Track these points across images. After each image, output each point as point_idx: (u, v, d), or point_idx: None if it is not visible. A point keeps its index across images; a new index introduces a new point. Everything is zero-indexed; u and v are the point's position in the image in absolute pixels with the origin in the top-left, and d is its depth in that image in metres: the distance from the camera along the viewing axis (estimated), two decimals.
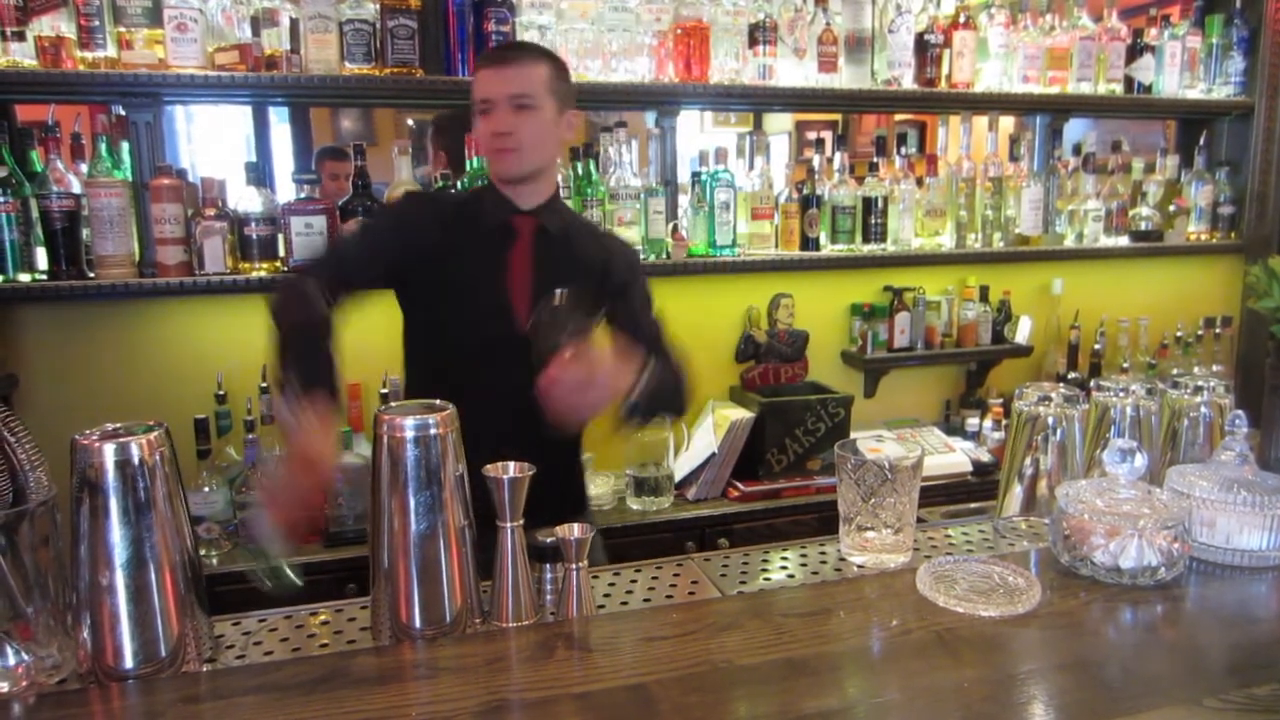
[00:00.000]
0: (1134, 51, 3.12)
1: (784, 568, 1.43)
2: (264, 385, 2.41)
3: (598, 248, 1.96)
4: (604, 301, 1.88)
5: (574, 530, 1.18)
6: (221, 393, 2.39)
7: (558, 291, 1.57)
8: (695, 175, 2.78)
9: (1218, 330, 3.35)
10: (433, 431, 1.11)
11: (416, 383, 1.99)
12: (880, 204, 2.88)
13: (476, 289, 1.86)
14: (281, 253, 2.39)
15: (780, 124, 4.12)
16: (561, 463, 1.91)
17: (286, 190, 2.49)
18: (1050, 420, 1.44)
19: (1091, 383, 1.57)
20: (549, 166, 1.88)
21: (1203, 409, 1.50)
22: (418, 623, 1.13)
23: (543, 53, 1.88)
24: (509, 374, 1.71)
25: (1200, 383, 1.51)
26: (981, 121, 3.16)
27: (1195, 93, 3.26)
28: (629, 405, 1.63)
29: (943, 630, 1.10)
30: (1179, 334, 3.31)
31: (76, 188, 2.26)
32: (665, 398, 1.77)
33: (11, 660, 1.01)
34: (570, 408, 1.51)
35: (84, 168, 2.34)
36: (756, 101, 2.95)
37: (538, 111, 1.78)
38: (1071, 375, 3.19)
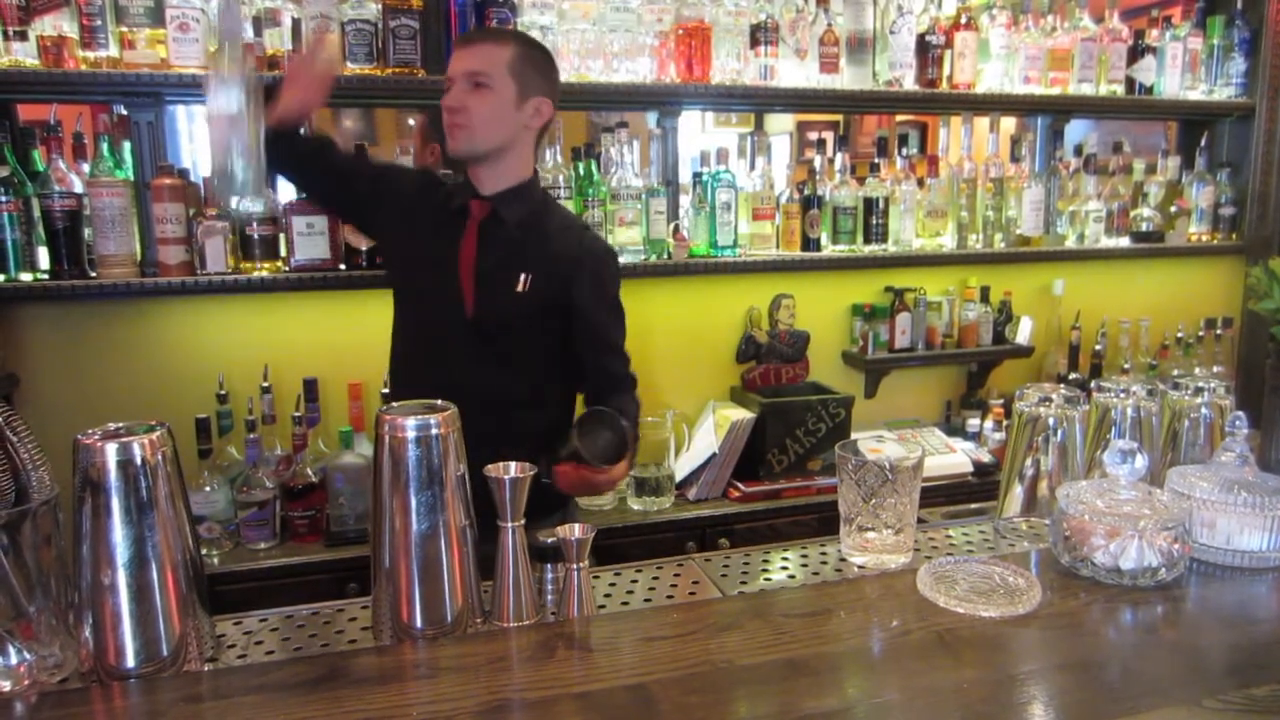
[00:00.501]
0: (1135, 53, 3.12)
1: (784, 568, 1.43)
2: (265, 385, 2.42)
3: (561, 248, 1.91)
4: (561, 301, 1.87)
5: (575, 530, 1.18)
6: (223, 392, 2.40)
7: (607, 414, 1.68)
8: (696, 175, 2.79)
9: (1219, 331, 3.35)
10: (434, 431, 1.12)
11: (394, 365, 2.04)
12: (881, 204, 2.88)
13: (428, 265, 1.90)
14: (283, 252, 2.39)
15: (782, 124, 4.12)
16: (525, 454, 1.89)
17: (288, 190, 2.49)
18: (1051, 421, 1.45)
19: (1092, 384, 1.57)
20: (507, 149, 1.85)
21: (1203, 410, 1.50)
22: (419, 622, 1.13)
23: (514, 37, 1.87)
24: (459, 355, 1.78)
25: (1201, 384, 1.52)
26: (983, 122, 3.17)
27: (1196, 94, 3.26)
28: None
29: (943, 631, 1.11)
30: (1180, 335, 3.31)
31: (78, 187, 2.26)
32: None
33: (14, 659, 1.01)
34: (575, 491, 1.74)
35: (86, 167, 2.34)
36: (758, 102, 2.95)
37: (492, 92, 1.78)
38: (1072, 376, 3.19)
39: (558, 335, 1.91)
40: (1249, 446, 1.32)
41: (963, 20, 2.90)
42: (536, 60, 1.86)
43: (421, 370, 1.91)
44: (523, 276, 1.84)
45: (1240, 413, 1.33)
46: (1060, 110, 3.11)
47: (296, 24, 2.35)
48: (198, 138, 3.20)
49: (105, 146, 2.28)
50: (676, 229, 2.74)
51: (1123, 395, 1.49)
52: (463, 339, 1.82)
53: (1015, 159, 3.09)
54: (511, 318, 1.85)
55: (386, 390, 2.54)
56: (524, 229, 1.88)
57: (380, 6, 2.38)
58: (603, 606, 1.29)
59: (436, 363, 1.85)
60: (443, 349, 1.84)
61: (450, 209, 1.91)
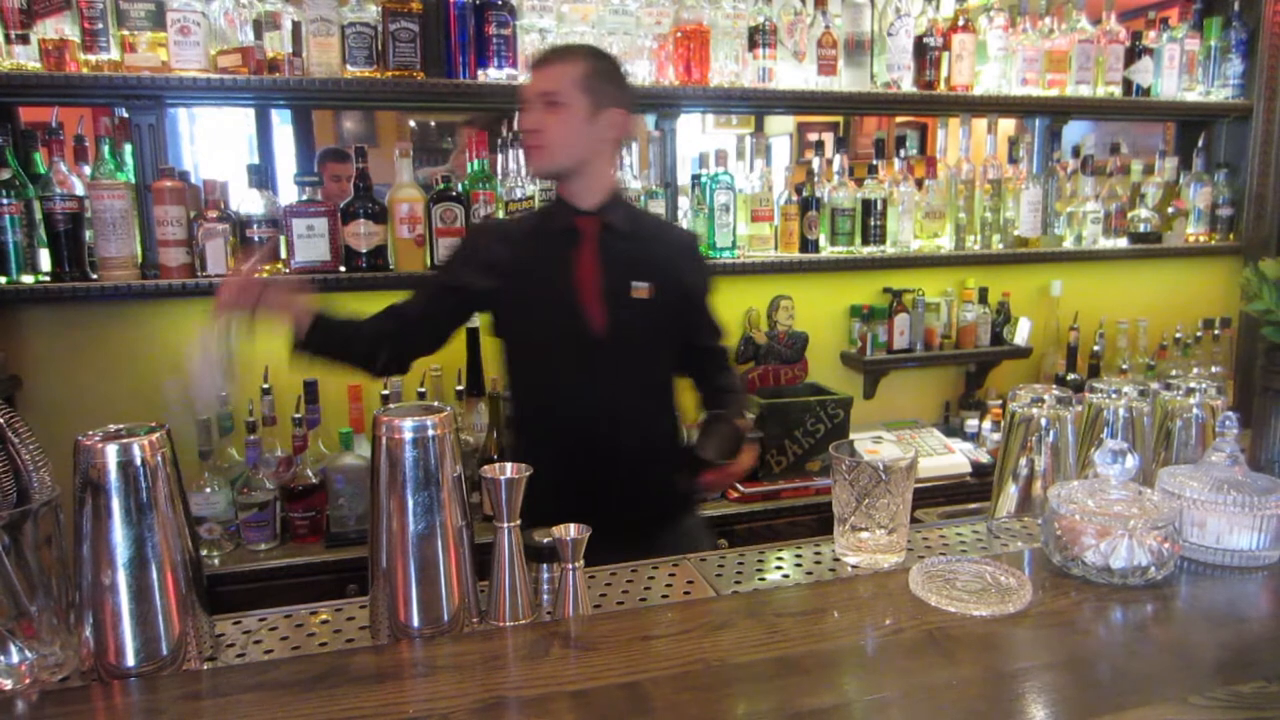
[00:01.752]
0: (1133, 54, 3.13)
1: (779, 568, 1.44)
2: (265, 386, 2.43)
3: (667, 244, 2.01)
4: (677, 297, 1.94)
5: (570, 530, 1.19)
6: (223, 394, 2.41)
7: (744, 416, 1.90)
8: (695, 177, 2.80)
9: (1216, 331, 3.35)
10: (431, 433, 1.13)
11: (518, 408, 2.00)
12: (880, 206, 2.89)
13: (549, 294, 1.88)
14: (284, 254, 2.41)
15: (782, 126, 4.14)
16: (660, 459, 1.96)
17: (288, 192, 2.51)
18: (1043, 421, 1.46)
19: (1086, 384, 1.58)
20: (588, 163, 1.86)
21: (1195, 410, 1.51)
22: (416, 622, 1.14)
23: (584, 53, 1.87)
24: (592, 375, 1.84)
25: (1193, 384, 1.52)
26: (981, 124, 3.18)
27: (1194, 95, 3.27)
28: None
29: (934, 629, 1.12)
30: (1178, 335, 3.32)
31: (80, 190, 2.28)
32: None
33: (15, 658, 1.03)
34: (723, 488, 1.85)
35: (87, 170, 2.36)
36: (756, 104, 2.96)
37: (565, 109, 1.80)
38: (1071, 376, 3.20)
39: (674, 336, 1.97)
40: (1239, 447, 1.33)
41: (960, 22, 2.91)
42: (607, 72, 1.86)
43: (555, 394, 1.91)
44: (642, 285, 1.87)
45: (1231, 413, 1.34)
46: (1058, 111, 3.12)
47: (297, 27, 2.37)
48: (199, 140, 3.23)
49: (106, 149, 2.29)
50: None
51: (1114, 396, 1.50)
52: (590, 354, 1.84)
53: (1013, 160, 3.10)
54: (638, 325, 1.88)
55: (386, 392, 2.56)
56: (634, 237, 1.91)
57: (380, 9, 2.39)
58: (598, 606, 1.30)
59: (571, 382, 1.87)
60: (572, 373, 1.85)
61: (551, 235, 1.91)
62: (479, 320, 2.15)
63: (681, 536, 1.93)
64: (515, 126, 2.62)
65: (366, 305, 2.58)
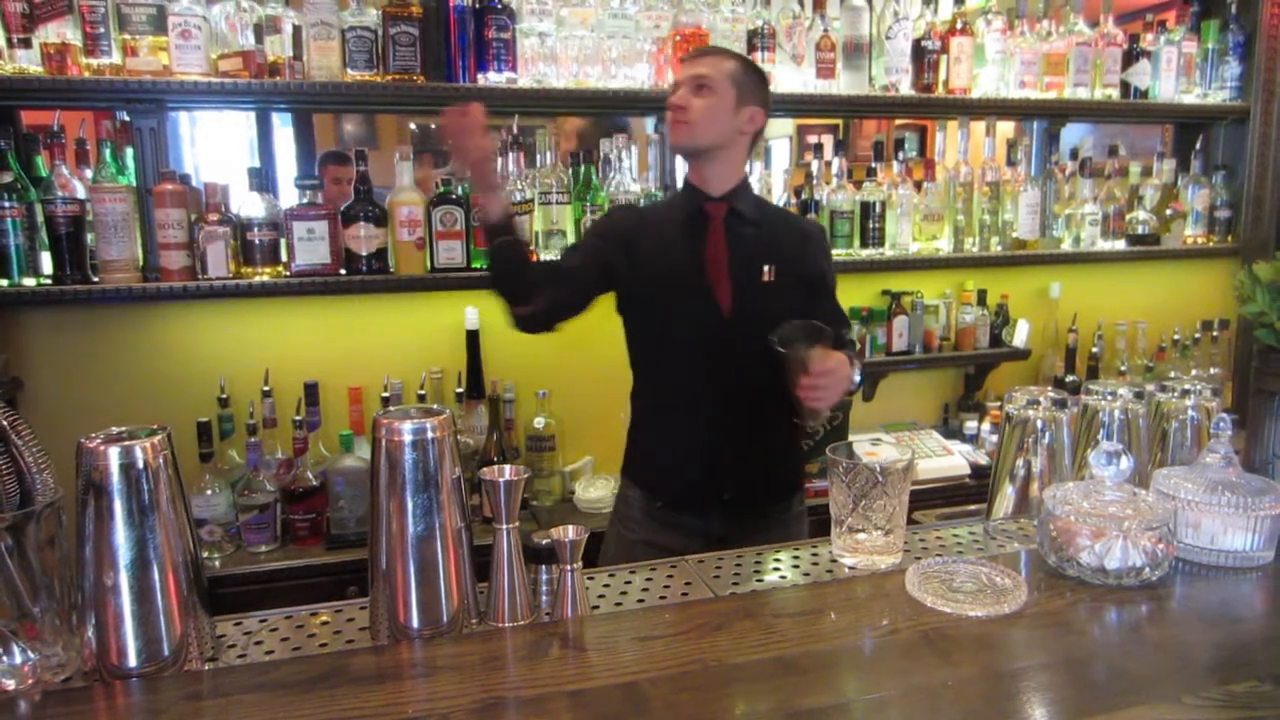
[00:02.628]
0: (1130, 57, 3.14)
1: (776, 569, 1.45)
2: (266, 389, 2.44)
3: (792, 231, 2.07)
4: (801, 281, 2.00)
5: (569, 532, 1.20)
6: (224, 396, 2.42)
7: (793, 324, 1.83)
8: None
9: (1215, 333, 3.36)
10: (430, 435, 1.14)
11: (642, 384, 2.09)
12: (878, 208, 2.90)
13: (679, 275, 1.97)
14: (284, 257, 2.41)
15: (782, 128, 4.14)
16: (777, 440, 2.03)
17: (289, 195, 2.52)
18: (1039, 423, 1.46)
19: (1083, 386, 1.59)
20: (724, 149, 1.95)
21: (1190, 412, 1.52)
22: (415, 623, 1.15)
23: (738, 55, 2.00)
24: (716, 354, 1.91)
25: (1188, 386, 1.53)
26: (979, 126, 3.19)
27: (1191, 98, 3.28)
28: (857, 385, 1.94)
29: (930, 630, 1.12)
30: (1176, 337, 3.33)
31: (81, 193, 2.29)
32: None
33: (18, 659, 1.04)
34: (824, 401, 1.78)
35: (89, 173, 2.37)
36: None
37: (714, 94, 1.90)
38: (1069, 378, 3.20)
39: (804, 317, 1.99)
40: (1233, 448, 1.33)
41: (958, 25, 2.92)
42: (754, 75, 1.98)
43: (679, 375, 2.00)
44: (767, 267, 1.96)
45: (1225, 415, 1.35)
46: (1056, 114, 3.13)
47: (297, 31, 2.38)
48: (199, 143, 3.24)
49: (108, 152, 2.30)
50: None
51: (1110, 398, 1.50)
52: (717, 332, 1.94)
53: (1011, 162, 3.11)
54: (762, 308, 1.94)
55: (387, 395, 2.57)
56: (760, 222, 2.01)
57: (380, 13, 2.40)
58: (596, 607, 1.31)
59: (696, 364, 1.95)
60: (697, 350, 1.94)
61: (684, 217, 2.00)
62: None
63: (791, 519, 2.07)
64: (515, 130, 2.63)
65: (366, 308, 2.62)
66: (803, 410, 1.83)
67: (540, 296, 1.90)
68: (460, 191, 2.53)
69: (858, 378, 1.93)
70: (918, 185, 3.00)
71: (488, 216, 1.86)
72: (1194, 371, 3.28)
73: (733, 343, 1.93)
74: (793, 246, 2.02)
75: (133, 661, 1.05)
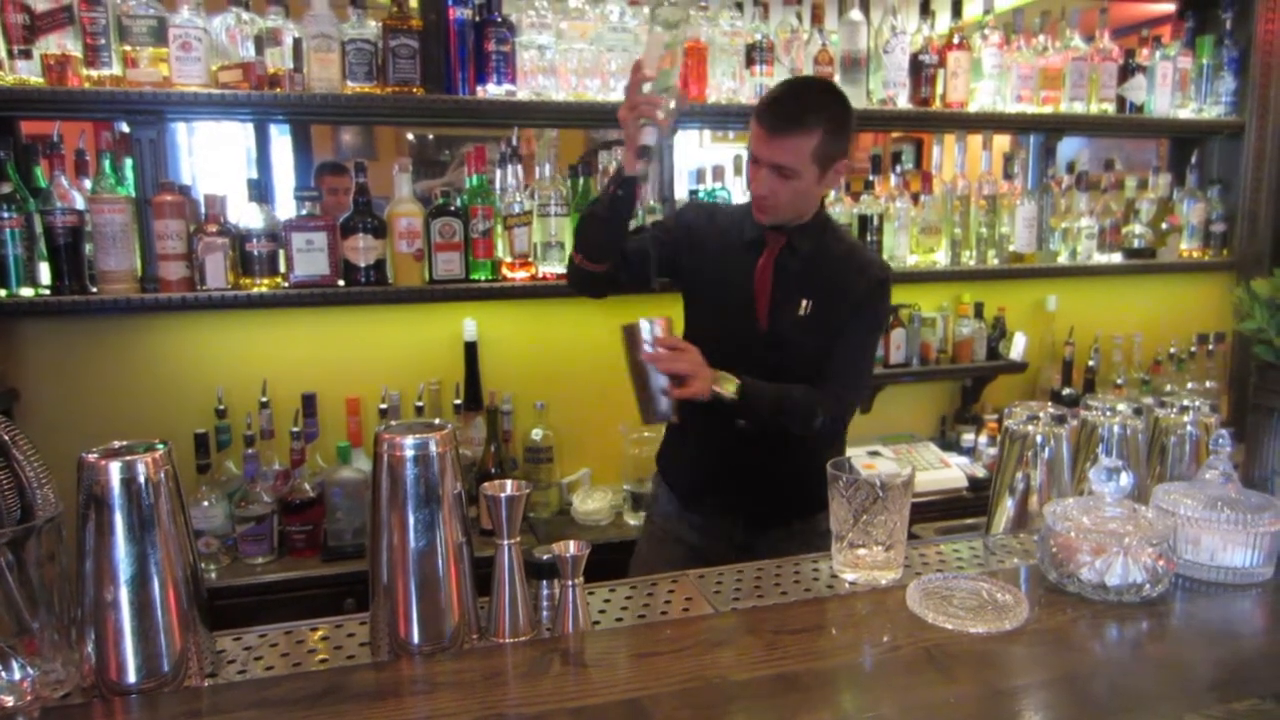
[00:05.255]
0: (1126, 71, 3.16)
1: (777, 584, 1.44)
2: (264, 400, 2.44)
3: (844, 270, 2.04)
4: (838, 321, 2.01)
5: (570, 547, 1.20)
6: (222, 407, 2.42)
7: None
8: (693, 192, 2.82)
9: (1210, 347, 3.37)
10: (432, 450, 1.14)
11: None
12: (876, 221, 2.90)
13: (727, 288, 2.05)
14: (282, 269, 2.41)
15: None
16: (800, 457, 1.99)
17: (287, 206, 2.52)
18: (1039, 438, 1.47)
19: (1081, 399, 1.59)
20: (807, 212, 2.01)
21: (1189, 428, 1.52)
22: (416, 638, 1.15)
23: (819, 120, 1.88)
24: (749, 366, 1.93)
25: (1186, 402, 1.54)
26: (976, 140, 3.20)
27: (1186, 112, 3.30)
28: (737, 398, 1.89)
29: (932, 647, 1.12)
30: (1172, 350, 3.34)
31: (80, 204, 2.29)
32: (778, 412, 1.96)
33: (17, 674, 1.03)
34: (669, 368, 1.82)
35: (88, 184, 2.36)
36: None
37: (798, 180, 1.90)
38: (1066, 391, 3.21)
39: (827, 355, 2.05)
40: (1232, 464, 1.34)
41: (955, 40, 2.94)
42: (839, 130, 1.92)
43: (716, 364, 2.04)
44: (805, 302, 2.01)
45: (1224, 431, 1.35)
46: (1052, 128, 3.14)
47: (298, 43, 2.38)
48: (198, 153, 3.24)
49: (107, 163, 2.30)
50: None
51: (1109, 414, 1.51)
52: (756, 346, 2.02)
53: (1008, 176, 3.13)
54: (795, 335, 2.02)
55: (385, 406, 2.56)
56: (811, 259, 2.02)
57: (380, 26, 2.41)
58: (597, 623, 1.30)
59: (731, 366, 1.97)
60: (736, 354, 1.96)
61: (746, 239, 2.05)
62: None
63: (814, 534, 2.04)
64: (514, 142, 2.64)
65: (364, 319, 2.61)
66: (644, 395, 1.85)
67: (612, 264, 2.00)
68: (459, 203, 2.53)
69: (716, 387, 1.86)
70: (915, 198, 3.01)
71: (626, 168, 1.88)
72: (1190, 385, 3.28)
73: (766, 359, 1.98)
74: (831, 290, 2.01)
75: (132, 678, 1.05)
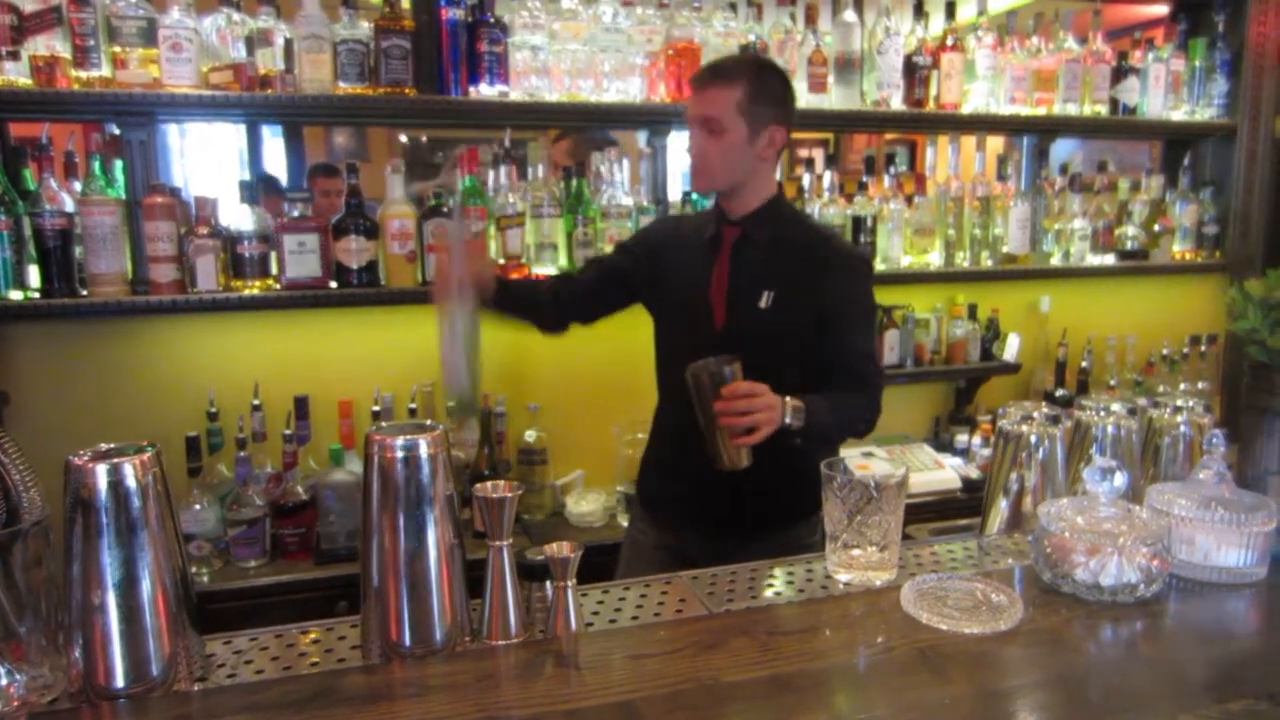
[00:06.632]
0: (1119, 73, 3.17)
1: (771, 585, 1.44)
2: (256, 403, 2.42)
3: (810, 261, 1.98)
4: (808, 313, 1.95)
5: (563, 549, 1.19)
6: (213, 410, 2.40)
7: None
8: (686, 194, 2.81)
9: (1203, 348, 3.38)
10: (423, 451, 1.13)
11: (661, 384, 2.15)
12: (869, 222, 2.91)
13: (684, 291, 2.04)
14: (274, 270, 2.40)
15: None
16: (777, 464, 1.89)
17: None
18: (1033, 439, 1.46)
19: (1074, 400, 1.59)
20: (748, 181, 1.96)
21: (1183, 428, 1.52)
22: (407, 641, 1.14)
23: (744, 72, 1.90)
24: None
25: (1180, 402, 1.54)
26: (969, 141, 3.20)
27: (1179, 114, 3.31)
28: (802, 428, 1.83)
29: (926, 647, 1.12)
30: (1165, 352, 3.34)
31: (70, 206, 2.27)
32: (838, 428, 1.97)
33: (4, 680, 1.02)
34: (745, 424, 1.75)
35: (77, 186, 2.35)
36: None
37: (725, 134, 1.88)
38: (1059, 392, 3.21)
39: (806, 346, 1.98)
40: (1226, 464, 1.34)
41: (949, 41, 2.94)
42: (767, 90, 1.91)
43: (677, 386, 1.97)
44: (766, 294, 1.95)
45: (1218, 431, 1.35)
46: (1045, 130, 3.15)
47: (289, 44, 2.38)
48: (188, 155, 3.23)
49: (97, 165, 2.29)
50: None
51: (1103, 414, 1.51)
52: (710, 346, 1.90)
53: (1002, 177, 3.13)
54: (756, 333, 1.96)
55: (377, 409, 2.55)
56: (771, 248, 1.98)
57: (372, 26, 2.40)
58: (591, 624, 1.30)
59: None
60: (691, 355, 1.91)
61: (704, 239, 2.03)
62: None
63: (802, 546, 1.95)
64: (507, 143, 2.63)
65: (356, 322, 2.60)
66: (719, 444, 1.79)
67: (553, 319, 2.11)
68: (452, 204, 2.52)
69: (789, 419, 1.79)
70: (909, 199, 3.02)
71: (488, 300, 1.95)
72: (1183, 386, 3.29)
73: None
74: (796, 279, 1.95)
75: (120, 682, 1.04)
